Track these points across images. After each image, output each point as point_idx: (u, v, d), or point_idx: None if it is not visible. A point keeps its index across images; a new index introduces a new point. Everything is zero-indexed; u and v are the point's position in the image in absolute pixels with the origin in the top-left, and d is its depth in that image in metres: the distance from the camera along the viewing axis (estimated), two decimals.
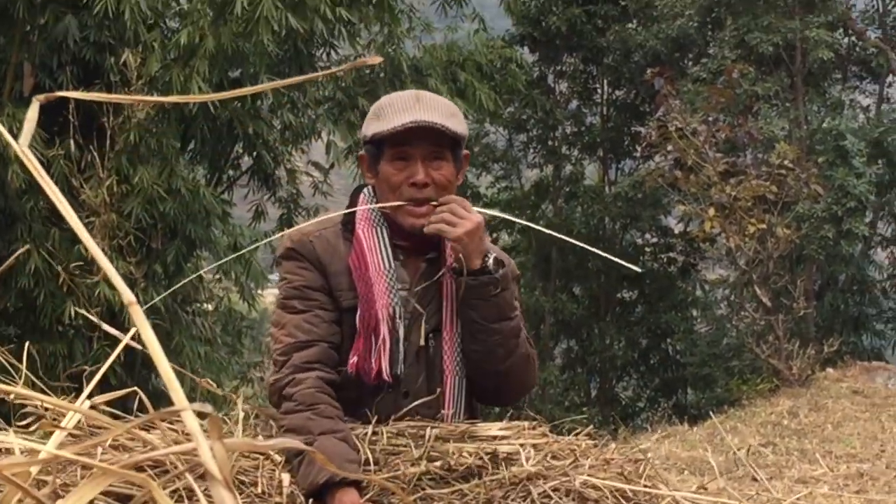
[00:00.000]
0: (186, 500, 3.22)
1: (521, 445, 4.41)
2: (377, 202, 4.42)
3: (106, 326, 3.97)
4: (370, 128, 4.37)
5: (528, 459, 4.34)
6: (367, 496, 4.14)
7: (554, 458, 4.48)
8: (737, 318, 24.53)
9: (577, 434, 4.80)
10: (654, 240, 29.49)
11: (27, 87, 13.30)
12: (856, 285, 25.67)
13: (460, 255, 4.26)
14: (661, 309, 28.41)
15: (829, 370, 18.78)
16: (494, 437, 4.41)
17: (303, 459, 4.06)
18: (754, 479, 9.44)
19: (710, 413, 16.78)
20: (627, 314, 28.91)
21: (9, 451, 1.93)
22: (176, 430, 3.96)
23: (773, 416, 13.82)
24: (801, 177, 21.47)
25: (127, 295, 1.17)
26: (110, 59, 13.68)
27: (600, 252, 4.77)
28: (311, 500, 4.11)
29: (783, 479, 9.57)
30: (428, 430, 4.31)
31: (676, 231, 28.32)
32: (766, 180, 20.59)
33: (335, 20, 15.65)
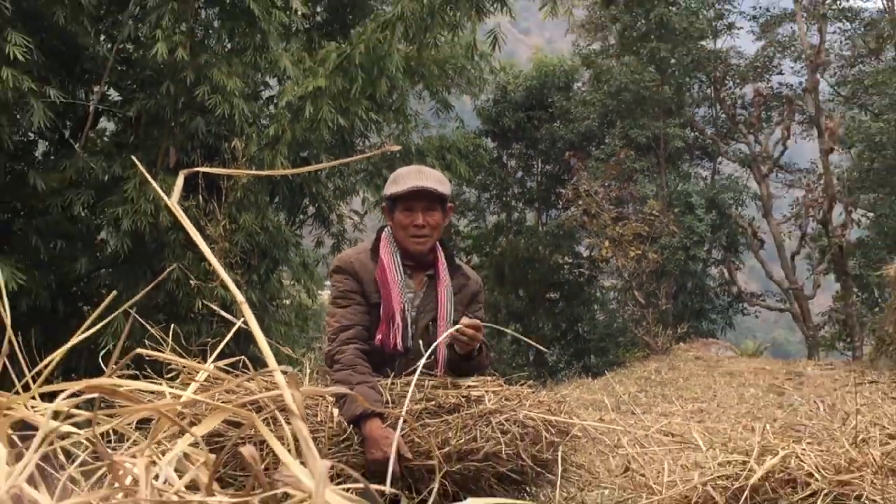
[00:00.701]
0: (274, 427, 3.24)
1: (486, 392, 4.50)
2: (394, 238, 4.70)
3: (223, 313, 4.01)
4: (389, 189, 4.63)
5: (489, 401, 4.43)
6: (387, 423, 4.19)
7: (506, 399, 4.56)
8: (622, 310, 24.50)
9: (521, 384, 4.86)
10: (570, 260, 29.38)
11: (171, 162, 13.27)
12: (698, 290, 25.64)
13: (460, 346, 4.48)
14: (574, 304, 28.35)
15: (681, 344, 18.76)
16: (469, 387, 4.50)
17: (345, 400, 4.22)
18: (633, 413, 9.44)
19: (605, 371, 16.74)
20: (553, 307, 28.78)
21: (161, 396, 1.92)
22: (266, 384, 3.99)
23: (645, 373, 13.78)
24: (663, 221, 21.53)
25: (238, 295, 1.19)
26: (225, 144, 13.64)
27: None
28: (351, 427, 4.20)
29: (651, 413, 9.53)
30: (427, 381, 4.48)
31: (584, 255, 28.22)
32: (641, 223, 20.62)
33: (368, 120, 15.67)
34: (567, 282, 29.16)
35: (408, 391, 4.43)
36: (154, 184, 1.23)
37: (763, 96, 26.94)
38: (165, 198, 1.19)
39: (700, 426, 8.01)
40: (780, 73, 28.54)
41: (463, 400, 4.46)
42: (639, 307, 20.66)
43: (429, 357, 4.44)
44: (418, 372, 4.39)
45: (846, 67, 28.94)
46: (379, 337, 4.56)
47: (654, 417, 9.00)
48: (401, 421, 4.27)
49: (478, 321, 4.46)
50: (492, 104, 28.08)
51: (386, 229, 4.78)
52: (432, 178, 4.65)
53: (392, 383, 4.51)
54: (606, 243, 20.52)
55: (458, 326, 4.38)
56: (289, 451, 1.14)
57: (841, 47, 28.99)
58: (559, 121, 27.61)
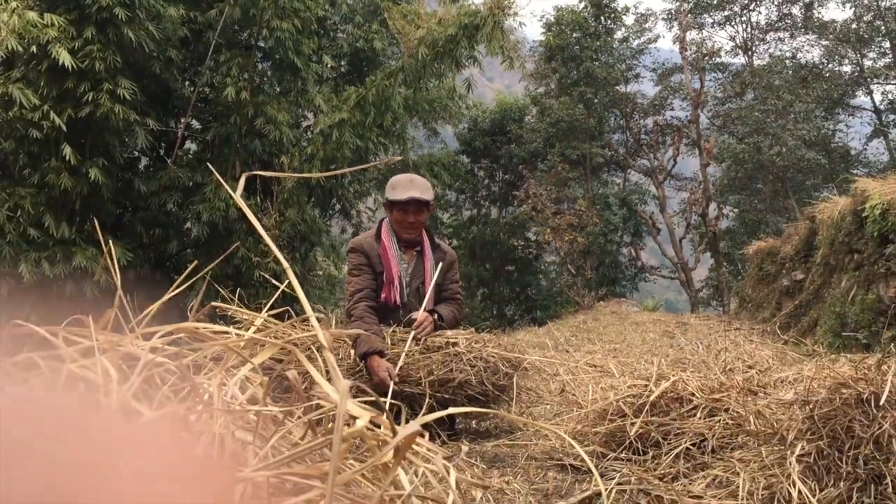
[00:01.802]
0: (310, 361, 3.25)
1: (460, 337, 4.52)
2: (390, 225, 4.77)
3: (274, 281, 4.01)
4: (389, 194, 4.68)
5: (462, 344, 4.45)
6: (387, 358, 4.23)
7: (476, 343, 4.56)
8: (560, 279, 24.50)
9: (486, 332, 4.88)
10: (522, 243, 29.33)
11: (237, 173, 13.22)
12: (613, 264, 25.63)
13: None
14: (525, 274, 28.32)
15: (601, 302, 18.77)
16: (452, 335, 4.53)
17: (357, 342, 4.21)
18: (567, 351, 9.45)
19: (547, 322, 16.76)
20: (510, 277, 28.75)
21: (229, 337, 1.92)
22: (305, 329, 3.99)
23: (576, 323, 13.81)
24: (589, 215, 21.52)
25: (286, 265, 1.18)
26: (275, 160, 13.60)
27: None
28: (362, 362, 4.24)
29: (580, 352, 9.53)
30: (415, 332, 4.50)
31: (532, 239, 28.18)
32: (573, 216, 20.62)
33: (377, 143, 15.67)
34: (520, 258, 29.13)
35: (405, 338, 4.48)
36: (226, 186, 1.22)
37: (660, 126, 26.91)
38: (234, 195, 1.18)
39: (615, 360, 8.03)
40: (672, 109, 28.56)
41: (444, 343, 4.51)
42: (571, 276, 20.69)
43: (418, 311, 4.57)
44: (413, 320, 4.47)
45: (719, 105, 29.04)
46: (383, 295, 4.65)
47: (582, 354, 9.01)
48: (403, 357, 4.29)
49: (425, 316, 4.56)
50: (467, 131, 27.98)
51: (385, 220, 4.84)
52: (421, 188, 4.69)
53: (393, 330, 4.56)
54: (548, 231, 20.54)
55: (415, 328, 4.50)
56: (321, 375, 1.14)
57: (715, 91, 29.09)
58: (515, 143, 27.53)
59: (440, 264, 4.82)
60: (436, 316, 4.65)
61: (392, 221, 4.72)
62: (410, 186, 4.62)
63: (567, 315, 17.45)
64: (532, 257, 28.95)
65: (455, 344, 4.51)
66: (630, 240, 26.73)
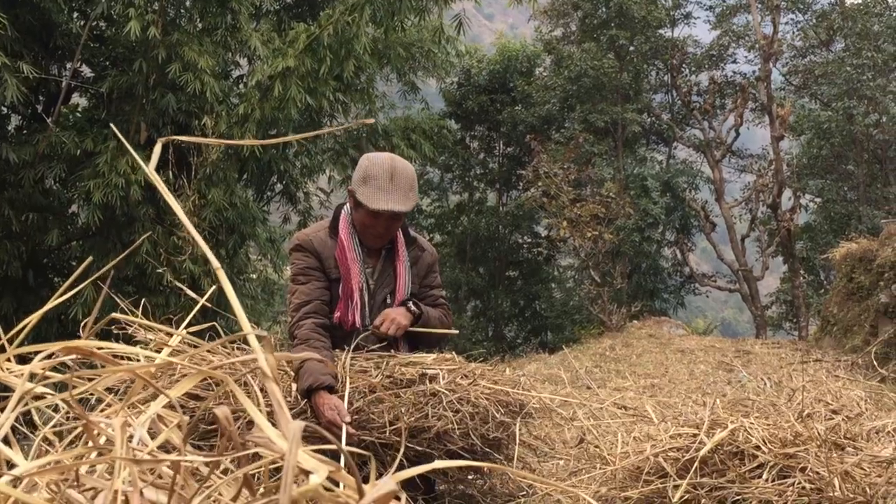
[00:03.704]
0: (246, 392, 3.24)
1: (440, 369, 4.48)
2: (352, 218, 4.68)
3: (187, 290, 4.01)
4: (359, 191, 4.50)
5: (443, 379, 4.42)
6: (338, 395, 4.19)
7: (464, 377, 4.54)
8: (579, 289, 24.57)
9: (480, 361, 4.88)
10: (529, 240, 29.44)
11: (142, 138, 13.17)
12: (651, 270, 25.75)
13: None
14: (532, 283, 28.40)
15: (635, 322, 18.84)
16: (429, 364, 4.49)
17: (299, 374, 4.21)
18: (588, 388, 9.48)
19: (562, 347, 16.81)
20: (512, 285, 28.82)
21: (136, 360, 1.91)
22: (239, 349, 3.98)
23: (600, 350, 13.83)
24: (619, 203, 21.58)
25: (214, 261, 1.18)
26: (195, 121, 13.56)
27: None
28: (304, 401, 4.23)
29: (606, 388, 9.57)
30: (386, 358, 4.48)
31: (543, 234, 28.26)
32: (598, 205, 20.67)
33: (335, 100, 15.64)
34: (526, 260, 29.23)
35: (366, 366, 4.46)
36: (134, 154, 1.22)
37: (717, 84, 27.09)
38: (144, 165, 1.18)
39: (652, 400, 8.06)
40: (735, 61, 28.69)
41: (416, 376, 4.45)
42: (595, 286, 20.73)
43: (388, 338, 4.56)
44: (369, 347, 4.49)
45: (797, 57, 29.16)
46: (337, 314, 4.59)
47: (609, 392, 9.05)
48: (347, 394, 4.28)
49: (388, 317, 4.55)
50: (456, 87, 28.04)
51: (345, 208, 4.77)
52: (403, 190, 4.47)
53: (353, 358, 4.48)
54: (564, 224, 20.55)
55: (369, 331, 4.54)
56: (260, 413, 1.14)
57: (793, 38, 29.21)
58: (521, 104, 27.60)
59: (417, 265, 4.80)
60: (411, 306, 4.64)
61: (355, 219, 4.62)
62: (389, 188, 4.43)
63: (589, 339, 17.49)
64: (542, 259, 29.06)
65: (433, 379, 4.46)
66: (675, 238, 26.90)
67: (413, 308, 4.63)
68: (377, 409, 4.29)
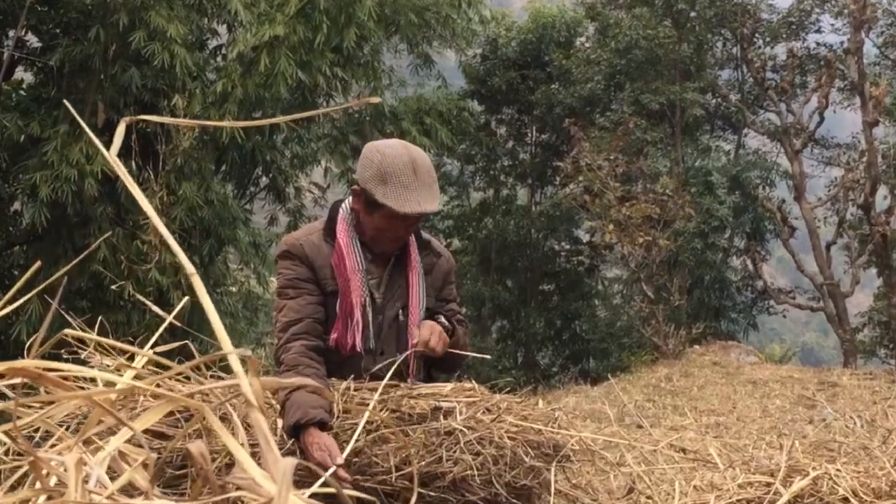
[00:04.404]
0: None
1: (458, 402, 4.41)
2: (356, 221, 4.57)
3: (153, 307, 4.01)
4: (378, 191, 4.31)
5: (460, 414, 4.35)
6: (332, 433, 4.17)
7: (487, 410, 4.47)
8: (628, 306, 24.59)
9: (506, 392, 4.84)
10: (568, 246, 29.46)
11: (100, 121, 13.22)
12: (717, 284, 25.72)
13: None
14: (571, 298, 28.39)
15: (696, 347, 18.84)
16: (444, 395, 4.43)
17: (285, 406, 4.13)
18: (639, 426, 9.47)
19: (607, 377, 16.80)
20: (546, 302, 28.82)
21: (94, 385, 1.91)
22: (201, 381, 3.98)
23: (653, 380, 13.83)
24: (677, 202, 21.58)
25: (189, 268, 1.19)
26: (164, 101, 13.61)
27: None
28: (291, 439, 4.14)
29: (660, 427, 9.58)
30: (393, 389, 4.36)
31: (584, 240, 28.30)
32: (652, 204, 20.67)
33: (333, 76, 15.64)
34: (563, 271, 29.22)
35: (368, 399, 4.39)
36: (91, 134, 1.22)
37: (797, 58, 27.02)
38: (104, 150, 1.18)
39: (717, 442, 8.04)
40: (819, 30, 28.55)
41: (430, 412, 4.36)
42: (647, 303, 20.71)
43: (399, 362, 4.47)
44: (387, 370, 4.44)
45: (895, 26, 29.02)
46: (334, 336, 4.48)
47: (664, 431, 9.04)
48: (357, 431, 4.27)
49: (435, 330, 4.46)
50: (480, 61, 28.07)
51: (343, 205, 4.65)
52: (428, 186, 4.35)
53: (356, 388, 4.41)
54: (610, 227, 20.54)
55: (416, 349, 4.43)
56: (244, 450, 1.15)
57: (890, 2, 29.05)
58: (558, 82, 27.61)
59: (431, 274, 4.75)
60: (443, 320, 4.57)
61: (365, 223, 4.52)
62: (416, 184, 4.37)
63: (640, 367, 17.49)
64: (583, 270, 29.04)
65: (448, 414, 4.41)
66: (745, 245, 26.85)
67: (445, 323, 4.56)
68: (381, 451, 4.24)
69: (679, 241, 21.99)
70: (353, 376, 4.41)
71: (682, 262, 23.01)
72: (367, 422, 4.22)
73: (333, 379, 4.42)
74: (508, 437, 4.41)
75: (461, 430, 4.29)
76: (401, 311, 4.62)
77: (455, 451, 4.24)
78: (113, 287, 12.25)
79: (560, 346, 28.78)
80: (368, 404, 4.33)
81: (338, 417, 4.27)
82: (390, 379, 4.36)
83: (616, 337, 25.55)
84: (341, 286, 4.50)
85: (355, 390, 4.37)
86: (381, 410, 4.28)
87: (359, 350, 4.48)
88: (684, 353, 18.01)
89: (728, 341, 21.35)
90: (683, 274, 23.25)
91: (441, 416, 4.30)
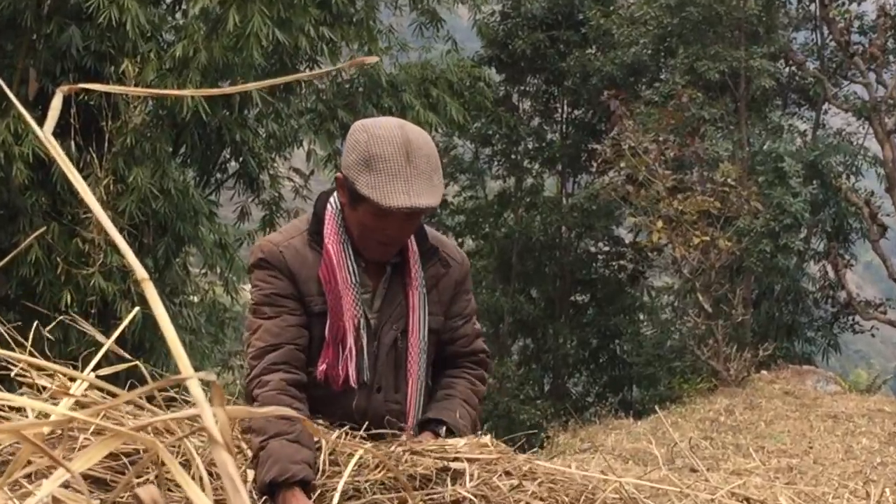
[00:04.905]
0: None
1: (469, 462, 4.32)
2: (343, 217, 4.40)
3: (86, 326, 4.00)
4: (359, 179, 4.12)
5: (471, 478, 4.26)
6: (317, 495, 4.11)
7: (507, 473, 4.39)
8: (680, 322, 24.62)
9: (530, 429, 4.80)
10: (606, 248, 29.53)
11: (31, 91, 13.26)
12: (790, 295, 25.73)
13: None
14: (610, 312, 28.44)
15: (764, 372, 18.84)
16: (455, 453, 4.34)
17: (260, 457, 4.00)
18: (693, 470, 9.47)
19: (656, 408, 16.80)
20: (580, 316, 28.89)
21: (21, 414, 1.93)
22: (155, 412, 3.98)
23: (711, 413, 13.84)
24: (742, 194, 21.55)
25: (140, 272, 1.19)
26: (110, 67, 13.64)
27: None
28: (263, 499, 4.05)
29: (719, 471, 9.59)
30: (395, 446, 4.20)
31: (627, 241, 28.35)
32: (710, 196, 20.67)
33: (318, 38, 15.65)
34: (601, 279, 29.28)
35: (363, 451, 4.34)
36: (21, 108, 1.22)
37: (890, 17, 27.02)
38: (36, 127, 1.18)
39: (789, 490, 8.03)
40: None
41: (435, 473, 4.29)
42: (704, 318, 20.72)
43: (399, 388, 4.43)
44: (384, 408, 4.40)
45: None
46: (322, 368, 4.34)
47: (724, 476, 9.06)
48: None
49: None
50: (499, 19, 28.15)
51: (331, 201, 4.48)
52: (426, 175, 4.20)
53: (347, 435, 4.34)
54: (659, 224, 20.52)
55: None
56: (206, 496, 1.15)
57: None
58: (595, 46, 27.65)
59: (438, 287, 4.69)
60: (442, 432, 4.50)
61: (350, 221, 4.45)
62: (407, 172, 4.23)
63: (695, 397, 17.49)
64: (625, 278, 29.04)
65: (458, 477, 4.34)
66: (825, 247, 26.83)
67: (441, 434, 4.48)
68: None
69: (743, 242, 21.98)
70: (341, 418, 4.30)
71: (747, 268, 23.03)
72: (356, 485, 4.20)
73: (320, 419, 4.27)
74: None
75: (471, 499, 4.22)
76: (399, 335, 4.50)
77: None
78: (57, 292, 12.31)
79: (596, 370, 28.84)
80: (357, 459, 4.27)
81: (324, 473, 4.18)
82: (388, 421, 4.31)
83: (665, 360, 25.55)
84: (331, 305, 4.35)
85: (350, 437, 4.30)
86: (374, 469, 4.22)
87: (352, 384, 4.38)
88: (749, 380, 18.01)
89: (803, 366, 21.34)
90: (748, 283, 23.26)
91: (448, 480, 4.24)
